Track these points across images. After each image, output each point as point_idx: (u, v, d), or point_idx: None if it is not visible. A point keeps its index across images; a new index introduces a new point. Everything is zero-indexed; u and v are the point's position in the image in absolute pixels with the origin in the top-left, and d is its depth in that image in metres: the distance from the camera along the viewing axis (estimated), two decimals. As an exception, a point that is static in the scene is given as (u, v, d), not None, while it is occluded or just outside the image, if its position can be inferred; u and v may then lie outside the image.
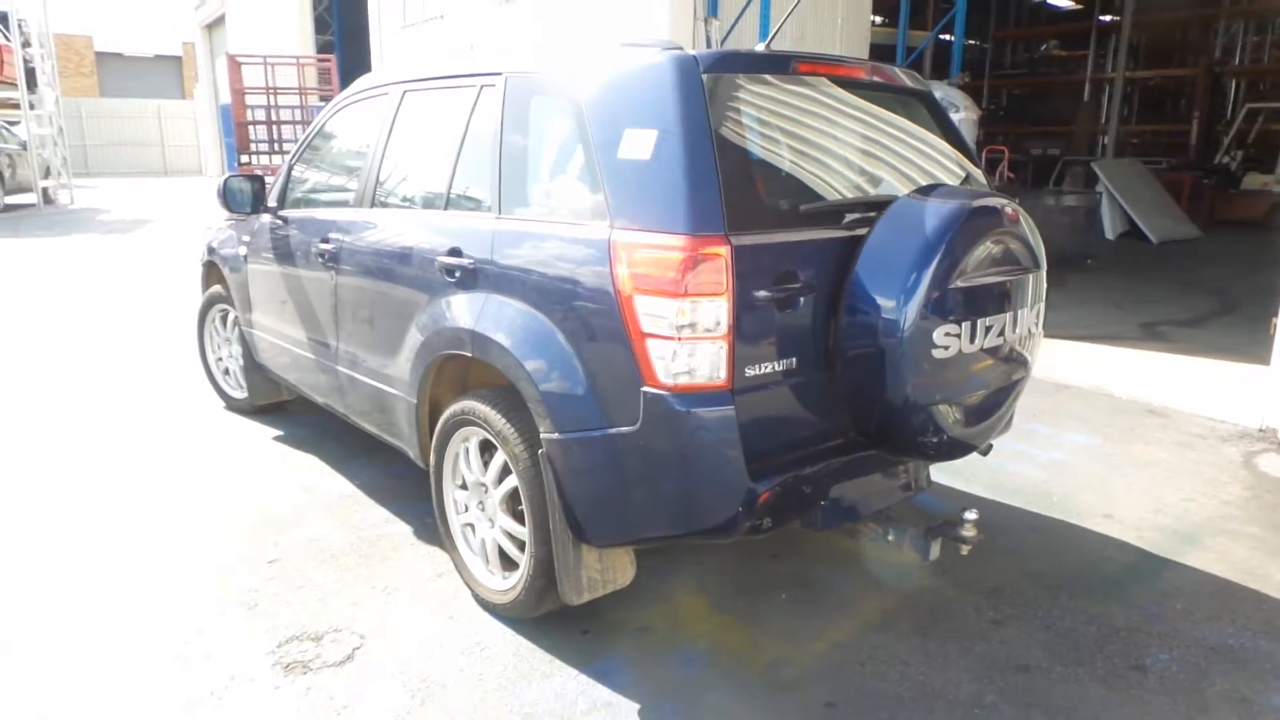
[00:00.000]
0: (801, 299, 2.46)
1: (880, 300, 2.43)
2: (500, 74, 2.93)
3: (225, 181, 4.15)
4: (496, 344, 2.65)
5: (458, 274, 2.86)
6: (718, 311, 2.27)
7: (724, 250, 2.27)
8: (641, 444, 2.35)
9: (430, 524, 3.55)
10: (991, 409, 2.76)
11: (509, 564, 2.92)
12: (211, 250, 4.89)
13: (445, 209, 3.08)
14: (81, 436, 4.67)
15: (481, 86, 3.00)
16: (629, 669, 2.68)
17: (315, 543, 3.49)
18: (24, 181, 18.33)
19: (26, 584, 3.17)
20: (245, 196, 4.16)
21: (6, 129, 18.39)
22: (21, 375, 5.87)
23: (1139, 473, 4.29)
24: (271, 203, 4.22)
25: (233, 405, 5.05)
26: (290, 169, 4.23)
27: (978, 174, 3.14)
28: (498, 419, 2.72)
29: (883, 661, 2.73)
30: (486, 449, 2.95)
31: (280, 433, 4.74)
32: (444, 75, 3.28)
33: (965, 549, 2.75)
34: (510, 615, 2.90)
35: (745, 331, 2.34)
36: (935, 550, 2.77)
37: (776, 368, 2.44)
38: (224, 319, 4.97)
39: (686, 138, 2.33)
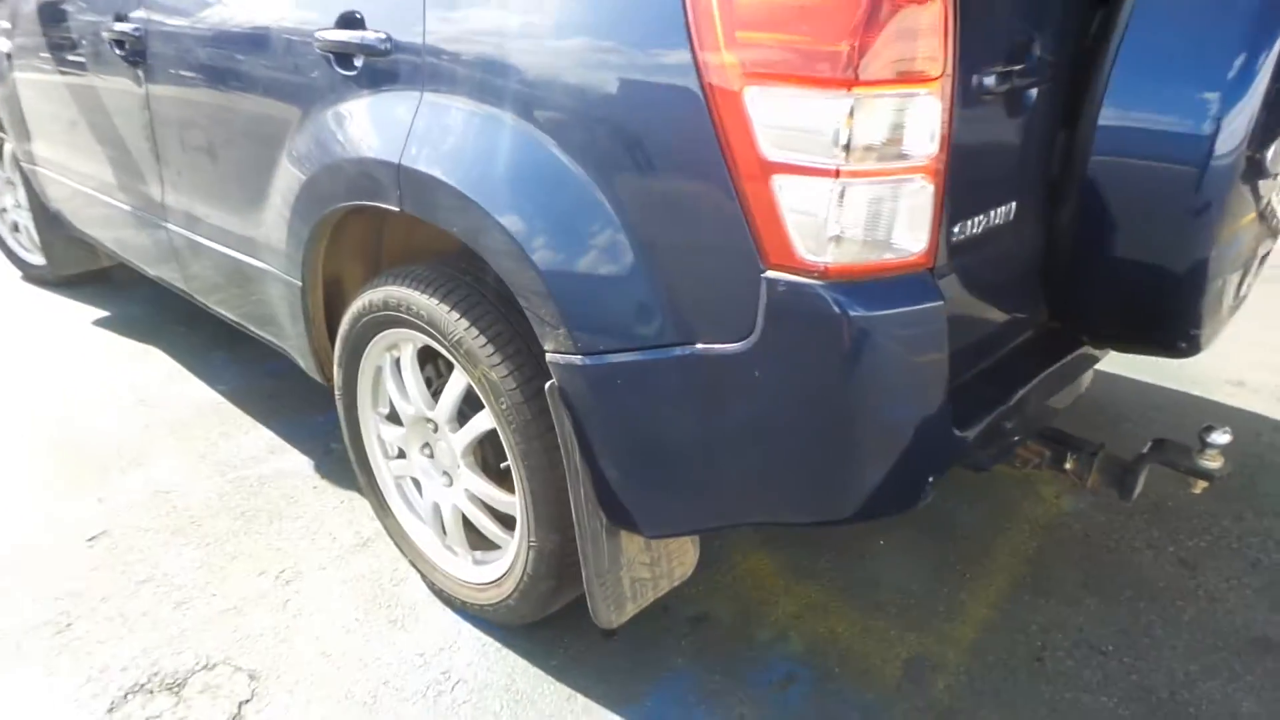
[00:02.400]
0: (1032, 91, 1.34)
1: (1172, 97, 1.32)
2: None
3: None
4: (449, 189, 1.44)
5: (359, 63, 1.60)
6: (925, 115, 1.13)
7: (940, -15, 1.10)
8: (758, 375, 1.24)
9: (339, 451, 2.41)
10: (1242, 284, 1.76)
11: (484, 541, 1.83)
12: (-36, 49, 3.32)
13: (323, -56, 1.75)
14: None
15: None
16: (696, 703, 1.69)
17: (163, 495, 2.30)
18: None
19: None
20: (-14, -47, 2.64)
21: None
22: None
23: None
24: (33, -35, 2.71)
25: (31, 274, 3.64)
26: (57, -91, 2.70)
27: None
28: (453, 321, 1.56)
29: (1066, 649, 1.82)
30: (429, 359, 1.81)
31: (105, 314, 3.39)
32: None
33: (1199, 487, 1.81)
34: (494, 621, 1.84)
35: (962, 156, 1.22)
36: (1140, 484, 1.83)
37: (991, 221, 1.35)
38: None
39: None
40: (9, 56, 2.97)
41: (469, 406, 1.71)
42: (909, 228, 1.17)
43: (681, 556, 1.66)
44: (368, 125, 1.59)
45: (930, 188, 1.16)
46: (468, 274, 1.61)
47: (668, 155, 1.23)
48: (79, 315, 3.38)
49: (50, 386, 2.85)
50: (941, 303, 1.20)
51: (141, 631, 1.86)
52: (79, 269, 3.44)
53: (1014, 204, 1.37)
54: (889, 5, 1.07)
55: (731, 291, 1.23)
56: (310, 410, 2.67)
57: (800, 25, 1.10)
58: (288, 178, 1.82)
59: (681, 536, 1.59)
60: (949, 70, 1.13)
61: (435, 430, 1.80)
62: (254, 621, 1.89)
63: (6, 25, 2.94)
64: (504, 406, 1.53)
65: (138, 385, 2.85)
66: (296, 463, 2.43)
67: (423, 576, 1.96)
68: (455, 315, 1.56)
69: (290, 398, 2.75)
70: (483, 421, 1.65)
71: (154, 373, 2.94)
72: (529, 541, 1.62)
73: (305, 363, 2.09)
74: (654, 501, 1.45)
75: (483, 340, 1.53)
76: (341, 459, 2.40)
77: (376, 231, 1.94)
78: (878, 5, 1.07)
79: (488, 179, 1.40)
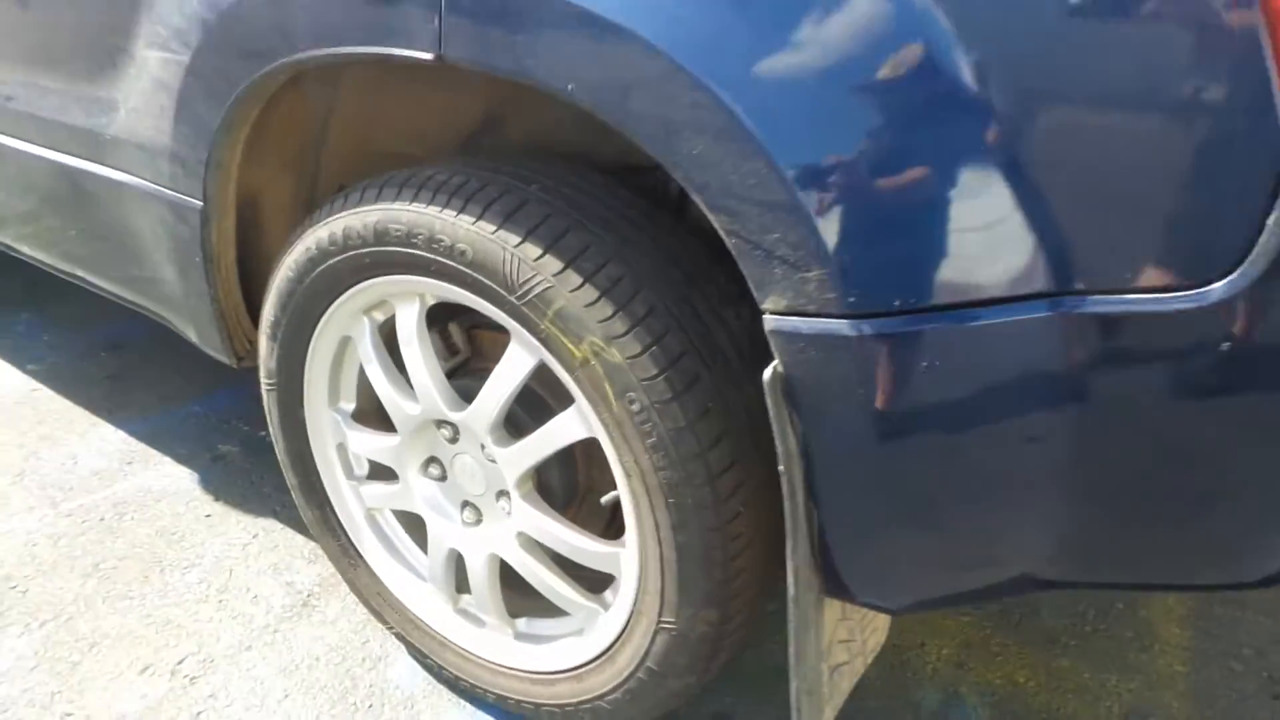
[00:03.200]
0: None
1: None
2: None
3: None
4: (561, 6, 0.76)
5: None
6: None
7: None
8: (1226, 347, 0.67)
9: (234, 456, 1.67)
10: None
11: (530, 599, 1.18)
12: None
13: None
14: None
15: None
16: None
17: (-41, 546, 1.48)
18: None
19: None
20: None
21: None
22: None
23: None
24: None
25: None
26: None
27: None
28: (530, 261, 0.89)
29: (1300, 681, 1.40)
30: (435, 322, 1.12)
31: None
32: None
33: None
34: (557, 730, 1.20)
35: None
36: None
37: None
38: None
39: None
40: None
41: (525, 406, 1.05)
42: None
43: (875, 620, 1.08)
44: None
45: None
46: (536, 181, 0.94)
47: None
48: None
49: None
50: None
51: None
52: None
53: None
54: None
55: (1200, 191, 0.64)
56: (180, 394, 1.87)
57: None
58: (175, 20, 1.05)
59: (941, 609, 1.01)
60: None
61: (454, 439, 1.11)
62: (150, 761, 1.16)
63: None
64: (635, 406, 0.89)
65: (-106, 368, 1.93)
66: (171, 478, 1.65)
67: (417, 654, 1.28)
68: (534, 251, 0.89)
69: (145, 377, 1.93)
70: (569, 429, 0.99)
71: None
72: (659, 622, 0.99)
73: (198, 333, 1.33)
74: (929, 557, 0.85)
75: (592, 294, 0.87)
76: (243, 468, 1.66)
77: (323, 119, 1.20)
78: None
79: (660, -15, 0.73)
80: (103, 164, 1.27)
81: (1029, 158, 0.67)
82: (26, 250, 1.59)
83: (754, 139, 0.71)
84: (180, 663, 1.29)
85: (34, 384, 1.90)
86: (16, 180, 1.46)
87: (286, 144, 1.19)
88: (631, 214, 0.94)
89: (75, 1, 1.19)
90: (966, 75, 0.66)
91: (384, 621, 1.30)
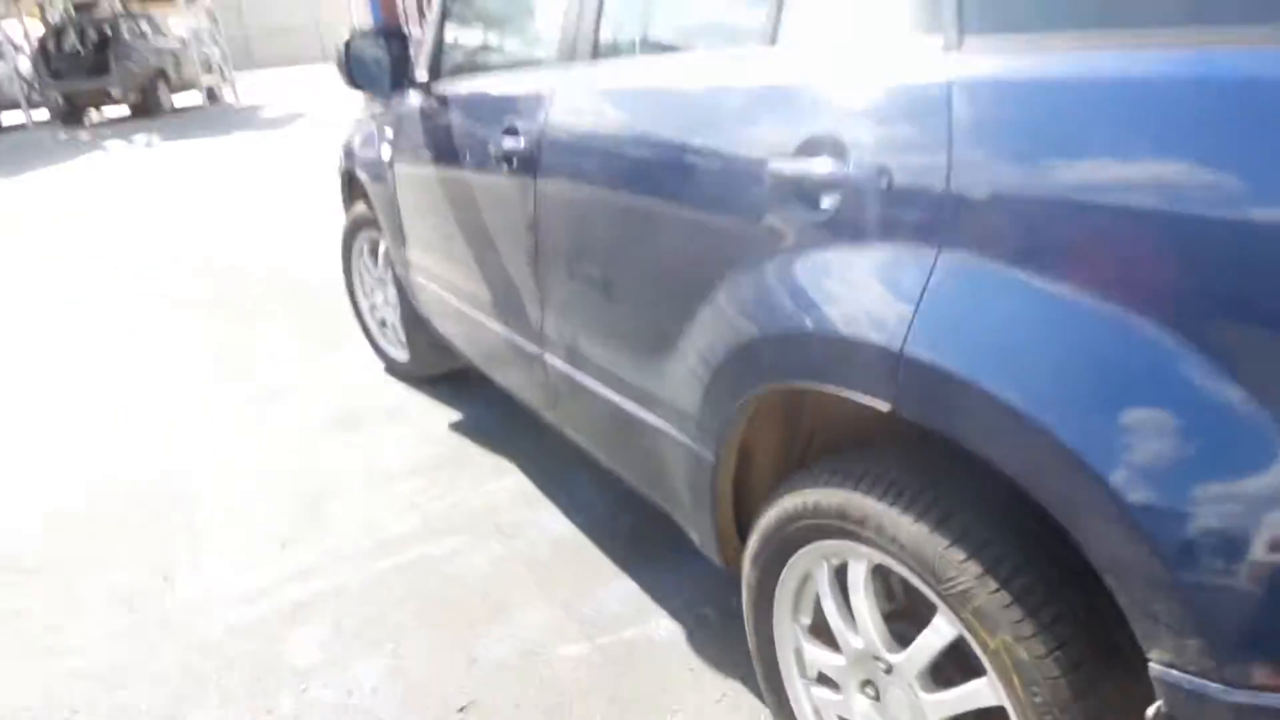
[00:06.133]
0: None
1: None
2: None
3: (347, 45, 2.63)
4: (993, 403, 1.00)
5: (830, 202, 1.22)
6: None
7: None
8: None
9: (713, 620, 2.06)
10: None
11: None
12: (349, 153, 3.46)
13: (774, 42, 1.40)
14: (194, 396, 3.45)
15: None
16: None
17: (532, 658, 2.05)
18: (189, 79, 17.93)
19: None
20: (379, 66, 2.65)
21: (163, 24, 17.88)
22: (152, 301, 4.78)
23: None
24: (421, 75, 2.68)
25: (395, 369, 3.69)
26: (443, 19, 2.66)
27: None
28: (956, 563, 1.12)
29: None
30: (879, 574, 1.38)
31: (458, 417, 3.33)
32: None
33: None
34: None
35: None
36: None
37: None
38: (373, 251, 3.57)
39: None
40: (390, 163, 2.99)
41: (949, 659, 1.26)
42: None
43: None
44: (845, 288, 1.21)
45: None
46: (964, 480, 1.17)
47: None
48: (434, 415, 3.35)
49: (405, 502, 2.77)
50: None
51: None
52: (442, 369, 3.43)
53: None
54: None
55: None
56: (677, 560, 2.34)
57: None
58: (710, 335, 1.48)
59: None
60: None
61: (888, 671, 1.36)
62: None
63: (390, 132, 2.97)
64: (1037, 699, 1.06)
65: (494, 509, 2.69)
66: (666, 631, 2.10)
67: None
68: (960, 555, 1.12)
69: (654, 540, 2.43)
70: (981, 695, 1.19)
71: (509, 494, 2.77)
72: None
73: (700, 540, 1.75)
74: None
75: (1006, 599, 1.08)
76: (718, 632, 2.05)
77: (803, 400, 1.56)
78: None
79: (1064, 394, 0.95)
80: (650, 411, 1.75)
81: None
82: (592, 449, 2.17)
83: (1144, 533, 0.88)
84: (665, 794, 1.68)
85: (579, 533, 2.51)
86: (590, 414, 2.03)
87: (777, 415, 1.56)
88: (1039, 532, 1.12)
89: (644, 308, 1.69)
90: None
91: (823, 802, 1.56)
